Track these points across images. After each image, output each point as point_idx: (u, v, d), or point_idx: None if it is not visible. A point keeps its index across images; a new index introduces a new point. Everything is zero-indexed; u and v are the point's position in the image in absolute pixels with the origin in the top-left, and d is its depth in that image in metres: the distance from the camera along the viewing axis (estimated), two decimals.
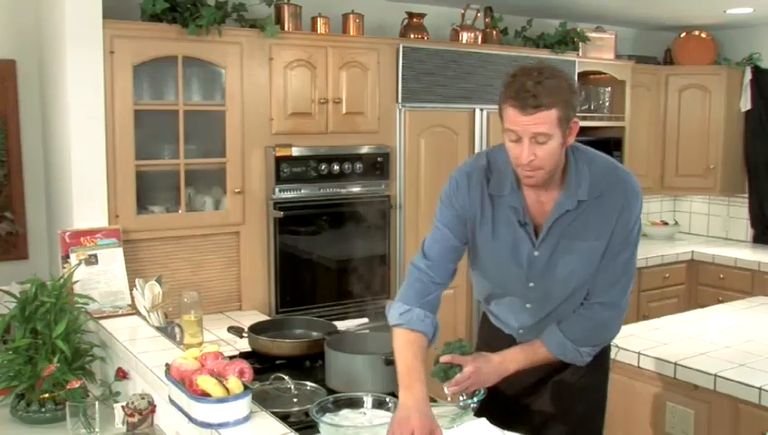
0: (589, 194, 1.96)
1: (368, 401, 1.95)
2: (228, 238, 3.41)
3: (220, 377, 1.82)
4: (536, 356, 2.09)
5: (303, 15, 3.67)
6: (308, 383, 2.20)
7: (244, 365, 1.88)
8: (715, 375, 2.61)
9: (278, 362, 2.49)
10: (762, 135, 5.27)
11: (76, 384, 2.18)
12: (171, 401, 1.91)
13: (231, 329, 2.74)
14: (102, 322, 2.62)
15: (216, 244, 3.39)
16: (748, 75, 5.27)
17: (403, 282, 2.09)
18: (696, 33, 5.37)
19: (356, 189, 3.68)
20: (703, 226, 5.78)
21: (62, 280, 2.44)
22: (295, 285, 3.57)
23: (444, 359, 2.04)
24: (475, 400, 2.02)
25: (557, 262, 2.01)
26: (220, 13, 3.23)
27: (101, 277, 2.83)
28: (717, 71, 5.26)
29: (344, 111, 3.63)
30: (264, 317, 3.25)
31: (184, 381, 1.84)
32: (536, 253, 2.01)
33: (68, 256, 2.82)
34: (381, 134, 3.77)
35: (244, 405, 1.78)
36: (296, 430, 1.77)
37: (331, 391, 2.13)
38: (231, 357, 2.15)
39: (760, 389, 2.48)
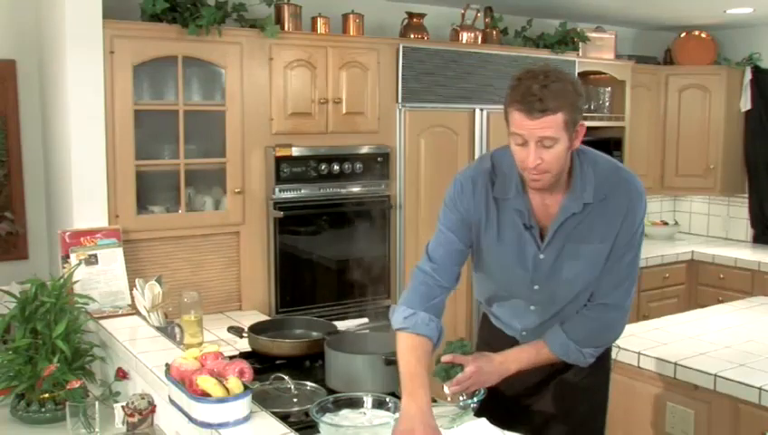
0: (594, 197, 1.96)
1: (368, 401, 1.95)
2: (228, 238, 3.41)
3: (220, 377, 1.82)
4: (538, 357, 2.08)
5: (303, 15, 3.67)
6: (308, 383, 2.20)
7: (244, 365, 1.88)
8: (715, 375, 2.61)
9: (278, 362, 2.49)
10: (762, 135, 5.27)
11: (76, 384, 2.18)
12: (171, 401, 1.91)
13: (231, 329, 2.74)
14: (102, 322, 2.62)
15: (216, 244, 3.39)
16: (748, 75, 5.27)
17: (407, 285, 2.07)
18: (696, 33, 5.37)
19: (356, 189, 3.68)
20: (703, 226, 5.78)
21: (62, 280, 2.44)
22: (295, 285, 3.57)
23: (445, 358, 2.03)
24: (475, 400, 2.02)
25: (562, 265, 2.01)
26: (220, 13, 3.23)
27: (101, 277, 2.83)
28: (717, 71, 5.26)
29: (344, 111, 3.63)
30: (264, 317, 3.25)
31: (184, 381, 1.84)
32: (541, 256, 2.01)
33: (68, 256, 2.82)
34: (381, 134, 3.77)
35: (244, 405, 1.78)
36: (296, 430, 1.77)
37: (331, 391, 2.13)
38: (231, 357, 2.15)
39: (760, 389, 2.48)
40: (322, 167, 3.56)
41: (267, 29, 3.34)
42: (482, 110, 4.08)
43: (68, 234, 2.86)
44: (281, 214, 3.44)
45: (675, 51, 5.43)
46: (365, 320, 3.28)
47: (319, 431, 1.82)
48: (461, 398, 2.02)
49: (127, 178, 3.12)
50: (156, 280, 2.79)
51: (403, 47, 3.79)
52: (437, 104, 3.94)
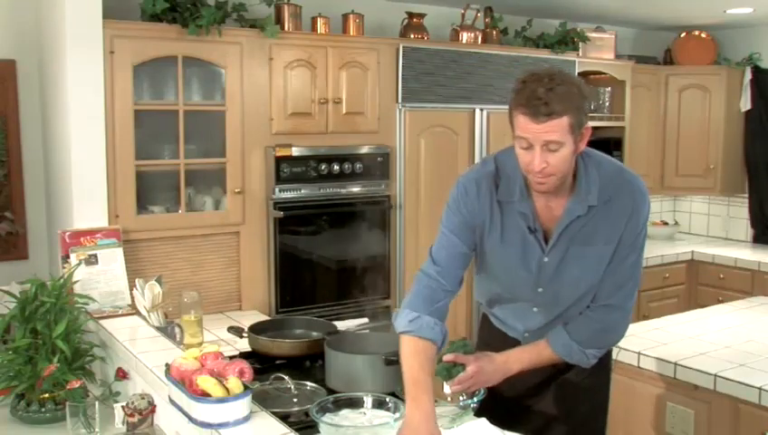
0: (598, 199, 1.95)
1: (368, 401, 1.95)
2: (228, 238, 3.41)
3: (220, 377, 1.82)
4: (540, 357, 2.08)
5: (303, 15, 3.67)
6: (308, 383, 2.20)
7: (244, 365, 1.88)
8: (715, 375, 2.61)
9: (278, 362, 2.49)
10: (762, 135, 5.27)
11: (76, 384, 2.18)
12: (171, 401, 1.91)
13: (231, 329, 2.74)
14: (102, 322, 2.62)
15: (216, 244, 3.39)
16: (748, 75, 5.27)
17: (410, 288, 2.05)
18: (696, 33, 5.37)
19: (356, 189, 3.68)
20: (703, 226, 5.78)
21: (62, 280, 2.44)
22: (295, 285, 3.57)
23: (447, 357, 2.02)
24: (475, 400, 2.02)
25: (566, 267, 2.00)
26: (220, 13, 3.23)
27: (101, 277, 2.83)
28: (717, 71, 5.26)
29: (344, 111, 3.63)
30: (264, 317, 3.25)
31: (184, 381, 1.84)
32: (546, 259, 2.00)
33: (68, 256, 2.82)
34: (381, 134, 3.77)
35: (244, 405, 1.78)
36: (296, 430, 1.77)
37: (331, 391, 2.13)
38: (231, 357, 2.15)
39: (760, 389, 2.48)
40: (322, 167, 3.56)
41: (267, 29, 3.34)
42: (482, 110, 4.08)
43: (68, 234, 2.86)
44: (281, 214, 3.44)
45: (675, 51, 5.43)
46: (365, 320, 3.27)
47: (319, 431, 1.82)
48: (461, 398, 2.02)
49: (127, 178, 3.12)
50: (156, 280, 2.79)
51: (403, 47, 3.79)
52: (437, 104, 3.94)
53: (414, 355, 1.90)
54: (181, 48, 3.20)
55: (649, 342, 2.97)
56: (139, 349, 2.33)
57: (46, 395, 2.23)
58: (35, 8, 3.27)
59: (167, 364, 1.95)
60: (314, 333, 2.65)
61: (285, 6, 3.58)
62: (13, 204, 3.29)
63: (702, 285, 5.05)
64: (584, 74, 4.69)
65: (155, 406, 2.05)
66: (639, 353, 2.85)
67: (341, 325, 2.81)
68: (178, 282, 3.17)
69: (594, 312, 2.05)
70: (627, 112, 4.92)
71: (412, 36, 3.99)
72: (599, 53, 4.76)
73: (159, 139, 3.30)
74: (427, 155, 3.91)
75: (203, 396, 1.77)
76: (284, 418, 1.89)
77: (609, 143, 4.76)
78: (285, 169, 3.45)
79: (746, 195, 5.40)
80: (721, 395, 2.60)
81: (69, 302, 2.41)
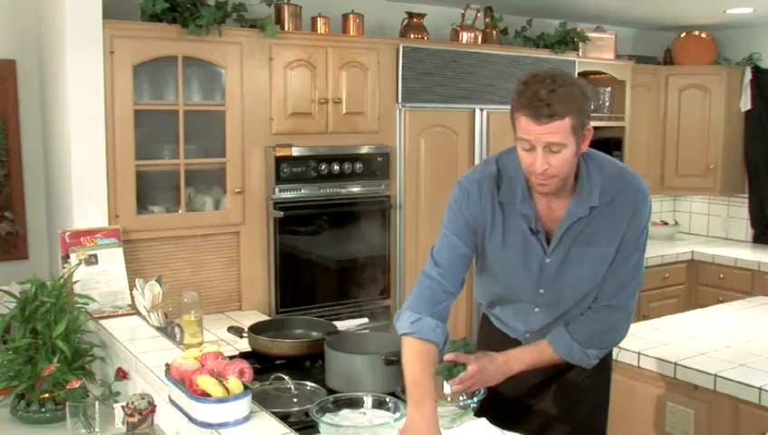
0: (600, 200, 1.95)
1: (368, 401, 1.95)
2: (228, 238, 3.41)
3: (220, 377, 1.82)
4: (542, 357, 2.07)
5: (303, 15, 3.67)
6: (308, 383, 2.20)
7: (244, 365, 1.88)
8: (715, 375, 2.61)
9: (278, 362, 2.49)
10: (762, 135, 5.27)
11: (76, 384, 2.18)
12: (171, 401, 1.91)
13: (231, 329, 2.74)
14: (102, 322, 2.62)
15: (216, 244, 3.39)
16: (748, 75, 5.27)
17: (412, 290, 2.04)
18: (696, 33, 5.37)
19: (356, 189, 3.68)
20: (703, 226, 5.78)
21: (62, 280, 2.44)
22: (295, 285, 3.57)
23: (448, 357, 2.01)
24: (475, 400, 2.02)
25: (568, 268, 2.00)
26: (220, 13, 3.23)
27: (101, 277, 2.83)
28: (717, 71, 5.26)
29: (344, 111, 3.63)
30: (264, 317, 3.25)
31: (184, 381, 1.84)
32: (548, 260, 2.00)
33: (68, 256, 2.82)
34: (381, 134, 3.77)
35: (244, 405, 1.78)
36: (296, 430, 1.77)
37: (331, 391, 2.13)
38: (231, 357, 2.15)
39: (760, 389, 2.48)
40: (322, 167, 3.56)
41: (267, 29, 3.34)
42: (482, 110, 4.08)
43: (68, 234, 2.86)
44: (281, 214, 3.44)
45: (675, 51, 5.43)
46: (365, 320, 3.27)
47: (319, 431, 1.83)
48: (461, 398, 2.02)
49: (127, 178, 3.12)
50: (156, 280, 2.79)
51: (403, 47, 3.79)
52: (437, 104, 3.94)
53: (416, 358, 1.90)
54: (181, 48, 3.20)
55: (649, 342, 2.97)
56: (139, 349, 2.33)
57: (46, 395, 2.23)
58: (35, 8, 3.27)
59: (167, 364, 1.95)
60: (314, 333, 2.64)
61: (285, 6, 3.58)
62: (13, 204, 3.29)
63: (702, 285, 5.05)
64: (584, 74, 4.69)
65: (155, 406, 2.05)
66: (639, 353, 2.85)
67: (341, 325, 2.82)
68: (178, 282, 3.17)
69: (596, 312, 2.05)
70: (627, 112, 4.92)
71: (412, 36, 3.99)
72: (599, 53, 4.76)
73: (159, 139, 3.30)
74: (427, 155, 3.91)
75: (203, 396, 1.77)
76: (284, 418, 1.89)
77: (609, 143, 4.76)
78: (285, 169, 3.45)
79: (746, 195, 5.40)
80: (721, 395, 2.60)
81: (69, 302, 2.41)
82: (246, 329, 2.66)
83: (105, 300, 2.77)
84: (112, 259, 2.89)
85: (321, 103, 3.55)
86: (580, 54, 4.59)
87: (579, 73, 4.52)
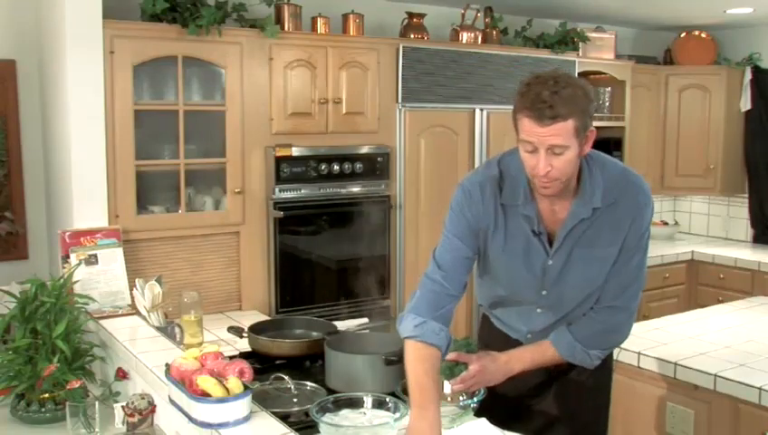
0: (602, 201, 1.95)
1: (368, 401, 1.95)
2: (228, 238, 3.41)
3: (220, 377, 1.82)
4: (543, 357, 2.07)
5: (303, 15, 3.67)
6: (308, 383, 2.20)
7: (244, 365, 1.88)
8: (715, 375, 2.61)
9: (278, 362, 2.49)
10: (762, 135, 5.27)
11: (76, 384, 2.18)
12: (171, 401, 1.91)
13: (231, 329, 2.74)
14: (102, 322, 2.62)
15: (216, 244, 3.39)
16: (748, 75, 5.27)
17: (414, 293, 2.03)
18: (696, 33, 5.37)
19: (356, 189, 3.68)
20: (703, 226, 5.78)
21: (62, 280, 2.44)
22: (295, 285, 3.57)
23: (450, 356, 2.01)
24: (476, 400, 2.02)
25: (570, 270, 2.00)
26: (220, 13, 3.23)
27: (101, 277, 2.83)
28: (717, 71, 5.26)
29: (344, 111, 3.63)
30: (264, 317, 3.25)
31: (184, 381, 1.84)
32: (550, 262, 2.00)
33: (68, 256, 2.82)
34: (381, 134, 3.77)
35: (244, 405, 1.78)
36: (296, 430, 1.77)
37: (331, 391, 2.13)
38: (231, 357, 2.15)
39: (760, 389, 2.48)
40: (322, 167, 3.56)
41: (267, 29, 3.34)
42: (482, 110, 4.08)
43: (68, 234, 2.86)
44: (281, 214, 3.44)
45: (675, 51, 5.43)
46: (365, 320, 3.28)
47: (319, 431, 1.82)
48: (461, 398, 2.02)
49: (127, 178, 3.12)
50: (156, 280, 2.79)
51: (403, 47, 3.79)
52: (437, 104, 3.94)
53: (419, 362, 1.89)
54: (181, 48, 3.20)
55: (649, 342, 2.97)
56: (139, 349, 2.33)
57: (46, 395, 2.23)
58: (35, 8, 3.27)
59: (167, 364, 1.95)
60: (314, 333, 2.65)
61: (285, 6, 3.58)
62: (13, 204, 3.29)
63: (702, 285, 5.05)
64: (584, 74, 4.69)
65: (155, 406, 2.05)
66: (639, 353, 2.85)
67: (341, 325, 2.82)
68: (178, 282, 3.17)
69: (598, 313, 2.04)
70: (627, 112, 4.92)
71: (412, 36, 3.99)
72: (599, 53, 4.76)
73: (159, 139, 3.30)
74: (427, 155, 3.91)
75: (203, 396, 1.77)
76: (284, 418, 1.89)
77: (609, 143, 4.76)
78: (285, 169, 3.45)
79: (746, 195, 5.40)
80: (721, 395, 2.59)
81: (69, 302, 2.41)
82: (246, 329, 2.67)
83: (105, 300, 2.77)
84: (112, 259, 2.89)
85: (321, 103, 3.55)
86: (580, 54, 4.59)
87: (579, 73, 4.52)
